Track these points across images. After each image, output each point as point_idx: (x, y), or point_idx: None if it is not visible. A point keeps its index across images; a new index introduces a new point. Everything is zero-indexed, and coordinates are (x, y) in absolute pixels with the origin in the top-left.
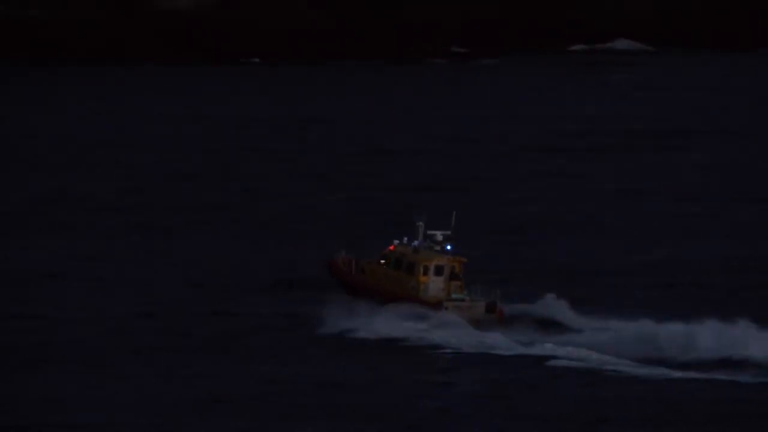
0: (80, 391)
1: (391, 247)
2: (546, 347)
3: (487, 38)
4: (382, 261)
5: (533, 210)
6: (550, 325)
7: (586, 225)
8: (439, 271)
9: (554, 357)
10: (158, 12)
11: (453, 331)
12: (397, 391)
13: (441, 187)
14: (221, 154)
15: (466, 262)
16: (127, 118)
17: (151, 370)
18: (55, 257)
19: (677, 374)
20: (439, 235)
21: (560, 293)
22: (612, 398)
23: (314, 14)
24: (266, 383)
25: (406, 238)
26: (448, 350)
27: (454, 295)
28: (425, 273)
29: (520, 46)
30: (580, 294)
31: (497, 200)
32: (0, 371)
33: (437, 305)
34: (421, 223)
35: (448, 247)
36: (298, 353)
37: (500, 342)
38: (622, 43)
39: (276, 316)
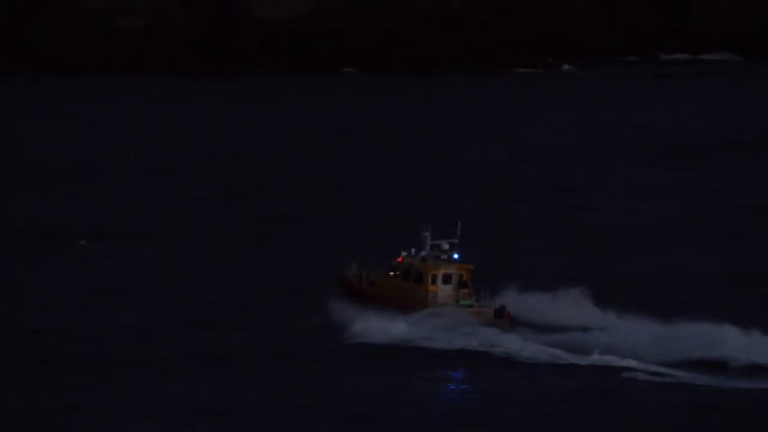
0: (104, 400)
1: (399, 259)
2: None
3: (583, 47)
4: (392, 273)
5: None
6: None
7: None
8: (447, 279)
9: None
10: (253, 21)
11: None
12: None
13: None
14: (325, 162)
15: (473, 269)
16: (229, 127)
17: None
18: (127, 266)
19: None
20: (445, 244)
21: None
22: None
23: (407, 24)
24: (290, 393)
25: (413, 249)
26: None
27: (462, 302)
28: (434, 282)
29: (613, 55)
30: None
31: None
32: (34, 380)
33: None
34: (427, 234)
35: (456, 256)
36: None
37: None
38: (716, 54)
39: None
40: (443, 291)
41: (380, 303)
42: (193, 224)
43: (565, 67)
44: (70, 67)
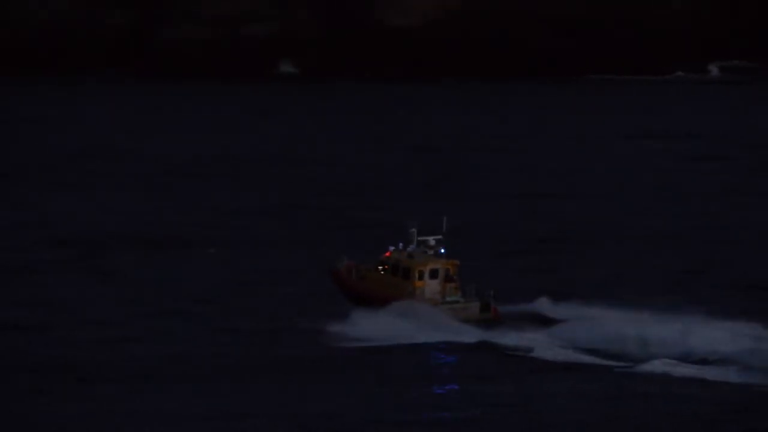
0: (131, 406)
1: (387, 254)
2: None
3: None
4: (380, 267)
5: None
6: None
7: None
8: (434, 274)
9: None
10: (379, 29)
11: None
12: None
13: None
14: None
15: (459, 264)
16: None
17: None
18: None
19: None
20: (431, 240)
21: None
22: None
23: (533, 31)
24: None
25: (401, 244)
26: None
27: (448, 298)
28: (421, 277)
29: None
30: None
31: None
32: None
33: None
34: (413, 230)
35: (442, 251)
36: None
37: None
38: None
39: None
40: (430, 286)
41: (369, 297)
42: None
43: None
44: (194, 74)
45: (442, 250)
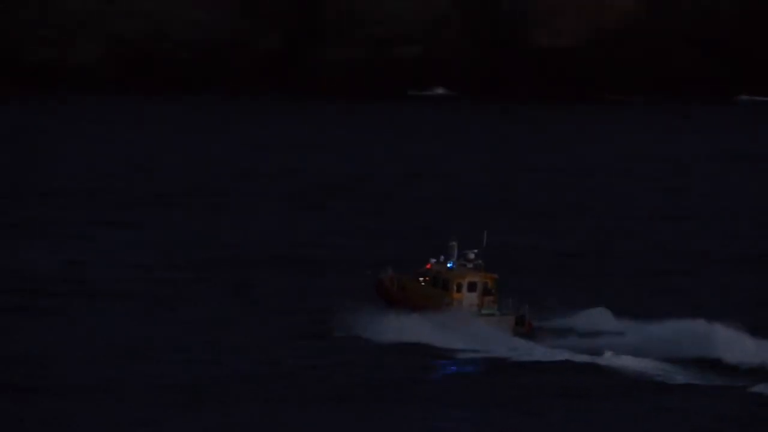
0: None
1: (428, 266)
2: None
3: None
4: (421, 279)
5: None
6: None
7: None
8: (472, 287)
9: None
10: (531, 49)
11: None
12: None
13: None
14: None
15: (497, 278)
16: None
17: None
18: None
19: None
20: (470, 253)
21: None
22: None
23: (687, 53)
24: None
25: (442, 257)
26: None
27: (484, 310)
28: (459, 290)
29: None
30: None
31: None
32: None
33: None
34: (454, 243)
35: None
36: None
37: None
38: None
39: None
40: (468, 298)
41: (408, 308)
42: None
43: None
44: (346, 95)
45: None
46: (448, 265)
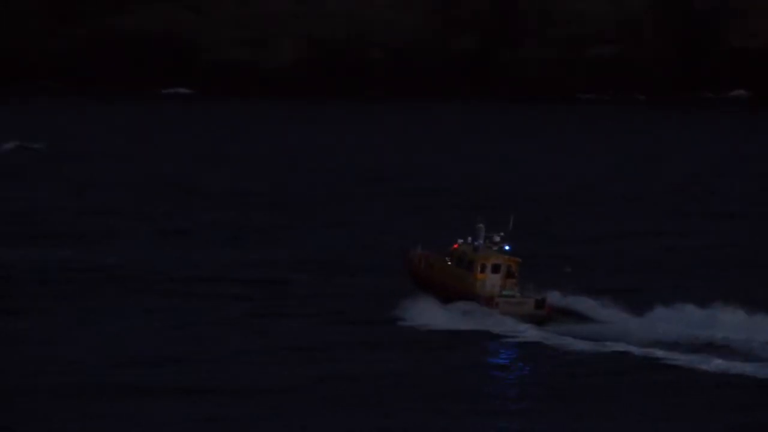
0: None
1: (455, 246)
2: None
3: None
4: (447, 258)
5: None
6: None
7: None
8: (495, 269)
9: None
10: (728, 50)
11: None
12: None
13: None
14: None
15: (520, 261)
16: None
17: None
18: None
19: None
20: (496, 236)
21: None
22: None
23: None
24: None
25: (470, 238)
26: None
27: (505, 292)
28: (482, 270)
29: None
30: None
31: None
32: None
33: (490, 300)
34: (481, 225)
35: (507, 247)
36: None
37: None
38: None
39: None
40: (491, 279)
41: (434, 286)
42: None
43: None
44: (540, 95)
45: (507, 247)
46: (474, 245)
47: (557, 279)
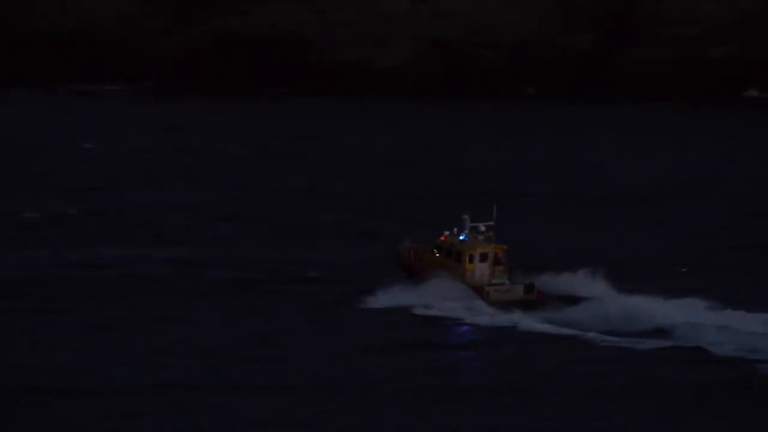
0: None
1: (443, 238)
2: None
3: None
4: (435, 250)
5: None
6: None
7: None
8: (483, 258)
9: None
10: None
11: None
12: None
13: None
14: None
15: (507, 249)
16: None
17: None
18: None
19: None
20: (481, 226)
21: None
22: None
23: None
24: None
25: (455, 229)
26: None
27: (494, 280)
28: (471, 260)
29: None
30: None
31: None
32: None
33: (481, 289)
34: (466, 216)
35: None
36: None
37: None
38: None
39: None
40: (480, 269)
41: (424, 277)
42: None
43: None
44: (657, 95)
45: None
46: (461, 237)
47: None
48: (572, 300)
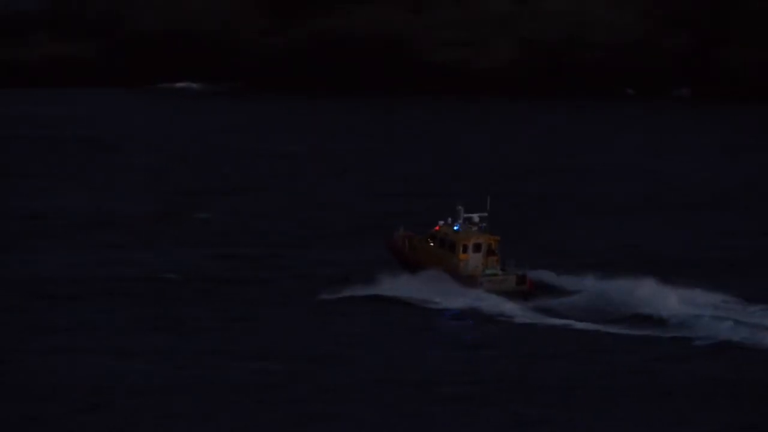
0: None
1: (437, 228)
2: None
3: None
4: (429, 239)
5: None
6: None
7: None
8: (477, 248)
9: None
10: None
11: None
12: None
13: None
14: None
15: (500, 239)
16: None
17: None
18: None
19: None
20: (475, 216)
21: None
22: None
23: None
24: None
25: (450, 219)
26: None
27: (487, 271)
28: (464, 251)
29: None
30: None
31: None
32: None
33: (474, 279)
34: (460, 207)
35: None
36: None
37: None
38: None
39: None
40: (473, 259)
41: (417, 267)
42: None
43: None
44: (757, 97)
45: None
46: (455, 227)
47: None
48: (567, 293)
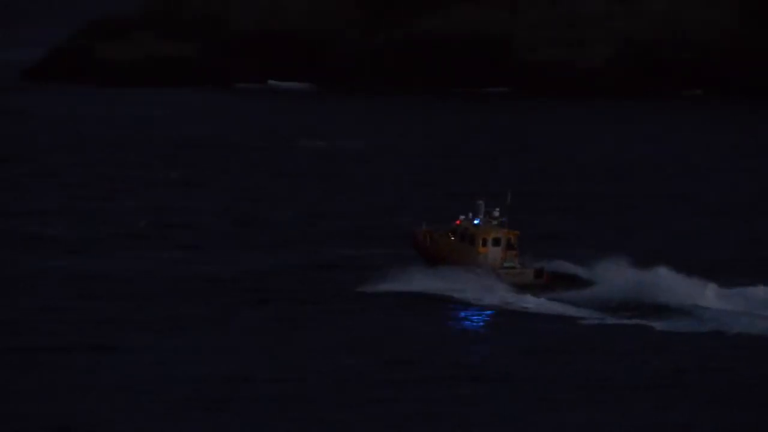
0: None
1: (458, 222)
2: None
3: None
4: (450, 234)
5: None
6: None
7: None
8: (496, 242)
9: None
10: None
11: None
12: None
13: None
14: None
15: (519, 234)
16: None
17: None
18: None
19: None
20: (496, 211)
21: None
22: None
23: None
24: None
25: (470, 214)
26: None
27: (506, 264)
28: (484, 244)
29: None
30: None
31: None
32: None
33: (492, 272)
34: (481, 202)
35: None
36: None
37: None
38: None
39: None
40: (492, 253)
41: (439, 261)
42: None
43: None
44: None
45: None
46: (475, 221)
47: None
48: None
